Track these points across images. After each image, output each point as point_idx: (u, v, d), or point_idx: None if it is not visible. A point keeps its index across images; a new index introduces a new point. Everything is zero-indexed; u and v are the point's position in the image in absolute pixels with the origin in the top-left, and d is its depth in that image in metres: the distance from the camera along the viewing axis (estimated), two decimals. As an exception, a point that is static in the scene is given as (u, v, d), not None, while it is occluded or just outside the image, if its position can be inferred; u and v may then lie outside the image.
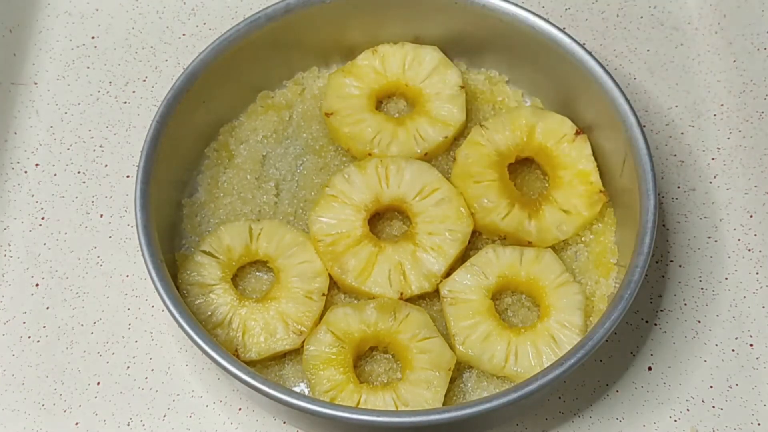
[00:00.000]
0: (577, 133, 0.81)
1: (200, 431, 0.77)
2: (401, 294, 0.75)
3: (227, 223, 0.79)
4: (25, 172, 0.88)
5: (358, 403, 0.71)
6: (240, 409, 0.78)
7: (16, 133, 0.90)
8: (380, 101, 0.87)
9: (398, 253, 0.76)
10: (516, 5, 0.80)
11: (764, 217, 0.85)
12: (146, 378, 0.79)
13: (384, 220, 0.81)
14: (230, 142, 0.85)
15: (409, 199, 0.78)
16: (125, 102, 0.91)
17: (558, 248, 0.79)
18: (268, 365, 0.76)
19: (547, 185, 0.82)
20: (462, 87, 0.83)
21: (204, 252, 0.77)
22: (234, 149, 0.84)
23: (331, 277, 0.77)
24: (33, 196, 0.87)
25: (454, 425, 0.67)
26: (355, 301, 0.77)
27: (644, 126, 0.82)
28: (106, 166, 0.88)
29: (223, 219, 0.81)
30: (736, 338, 0.80)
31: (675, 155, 0.88)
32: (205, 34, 0.95)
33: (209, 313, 0.75)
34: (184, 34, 0.95)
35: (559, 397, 0.78)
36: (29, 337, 0.80)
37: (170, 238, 0.80)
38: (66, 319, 0.81)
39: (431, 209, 0.78)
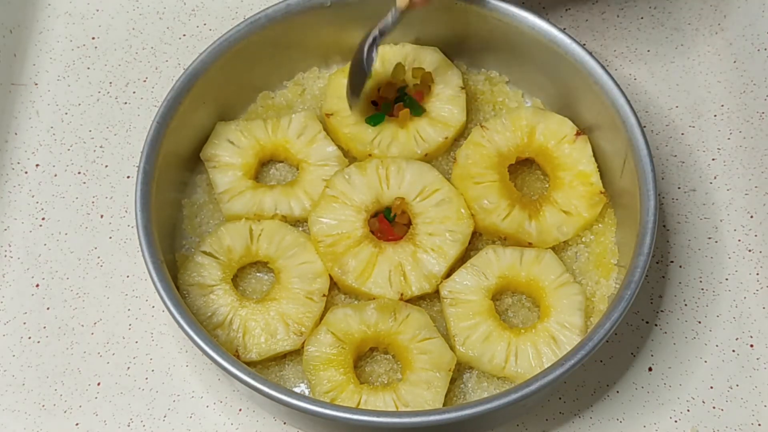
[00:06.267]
0: (578, 134, 0.81)
1: (200, 432, 0.77)
2: (401, 295, 0.75)
3: (227, 224, 0.79)
4: (26, 172, 0.88)
5: (359, 403, 0.71)
6: (240, 410, 0.78)
7: (16, 134, 0.90)
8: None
9: (398, 254, 0.77)
10: (516, 6, 0.80)
11: (765, 218, 0.85)
12: (146, 378, 0.79)
13: (384, 220, 0.81)
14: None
15: (409, 199, 0.78)
16: (126, 103, 0.91)
17: (558, 249, 0.79)
18: (269, 366, 0.76)
19: (547, 186, 0.82)
20: (462, 88, 0.83)
21: (204, 253, 0.77)
22: (234, 150, 0.84)
23: (331, 277, 0.77)
24: (33, 196, 0.87)
25: (454, 426, 0.67)
26: (356, 302, 0.77)
27: (644, 126, 0.82)
28: (106, 166, 0.88)
29: (224, 220, 0.81)
30: (737, 339, 0.80)
31: (675, 156, 0.88)
32: (205, 35, 0.95)
33: (209, 313, 0.75)
34: (184, 35, 0.95)
35: (560, 398, 0.78)
36: (29, 338, 0.80)
37: (170, 239, 0.80)
38: (66, 320, 0.81)
39: (431, 210, 0.78)
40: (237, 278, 0.79)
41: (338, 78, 0.84)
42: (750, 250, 0.84)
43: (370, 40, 0.77)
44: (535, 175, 0.84)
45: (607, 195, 0.79)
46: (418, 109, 0.82)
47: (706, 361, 0.79)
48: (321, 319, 0.75)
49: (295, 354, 0.76)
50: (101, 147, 0.89)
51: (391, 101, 0.82)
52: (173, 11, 0.97)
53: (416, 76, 0.84)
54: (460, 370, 0.75)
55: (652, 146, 0.77)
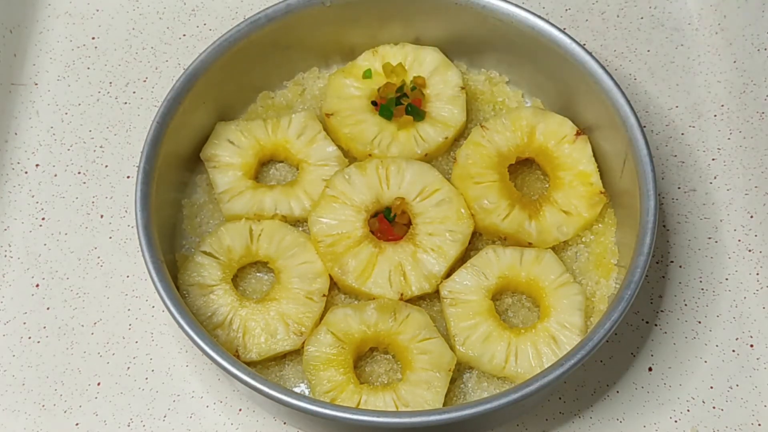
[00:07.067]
0: (578, 134, 0.81)
1: (200, 432, 0.77)
2: (401, 295, 0.75)
3: (227, 224, 0.79)
4: (26, 172, 0.88)
5: (359, 403, 0.71)
6: (240, 410, 0.78)
7: (16, 134, 0.90)
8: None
9: (398, 254, 0.77)
10: (516, 6, 0.80)
11: (765, 218, 0.85)
12: (146, 378, 0.79)
13: (384, 220, 0.81)
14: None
15: (409, 199, 0.78)
16: (125, 103, 0.91)
17: (558, 249, 0.79)
18: (269, 366, 0.76)
19: (547, 186, 0.82)
20: (462, 88, 0.83)
21: (204, 253, 0.77)
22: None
23: (331, 277, 0.77)
24: (33, 196, 0.87)
25: (454, 426, 0.67)
26: (356, 302, 0.77)
27: (644, 127, 0.82)
28: (106, 166, 0.88)
29: (224, 220, 0.81)
30: (737, 339, 0.80)
31: (675, 156, 0.88)
32: (205, 35, 0.95)
33: (210, 313, 0.75)
34: (184, 35, 0.95)
35: (560, 398, 0.78)
36: (29, 338, 0.80)
37: (171, 239, 0.80)
38: (66, 320, 0.81)
39: (431, 210, 0.78)
40: (237, 278, 0.79)
41: (338, 78, 0.85)
42: (750, 250, 0.84)
43: None
44: (535, 175, 0.84)
45: (607, 195, 0.79)
46: (420, 115, 0.82)
47: (706, 361, 0.79)
48: (321, 319, 0.75)
49: (295, 354, 0.76)
50: (101, 147, 0.89)
51: (391, 101, 0.82)
52: (173, 11, 0.97)
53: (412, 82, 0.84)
54: (460, 370, 0.75)
55: (652, 146, 0.77)
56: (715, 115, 0.90)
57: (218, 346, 0.68)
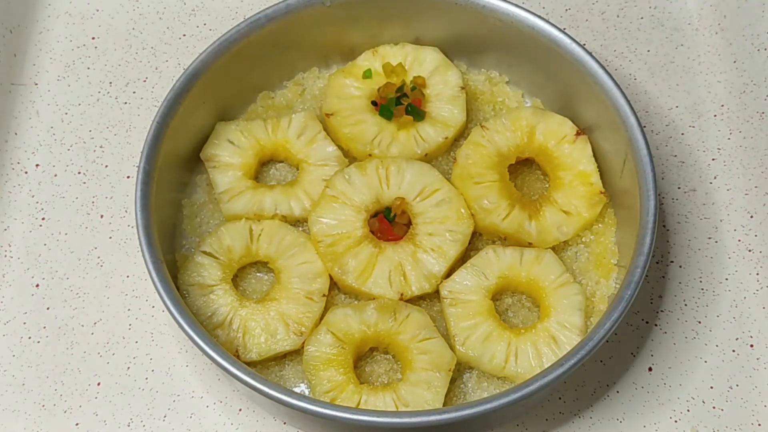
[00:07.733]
0: (578, 134, 0.81)
1: (200, 432, 0.77)
2: (401, 295, 0.75)
3: (227, 224, 0.79)
4: (26, 172, 0.88)
5: (359, 403, 0.71)
6: (240, 410, 0.78)
7: (16, 134, 0.90)
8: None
9: (398, 254, 0.77)
10: (516, 6, 0.80)
11: (765, 218, 0.85)
12: (146, 378, 0.79)
13: (384, 220, 0.81)
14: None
15: (409, 199, 0.78)
16: (125, 103, 0.91)
17: (558, 249, 0.79)
18: (269, 366, 0.76)
19: (547, 186, 0.82)
20: (462, 88, 0.83)
21: (204, 253, 0.77)
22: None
23: (331, 277, 0.77)
24: (33, 196, 0.87)
25: (454, 426, 0.67)
26: (356, 302, 0.77)
27: (644, 126, 0.82)
28: (106, 166, 0.88)
29: (224, 220, 0.81)
30: (737, 339, 0.80)
31: (675, 156, 0.88)
32: (205, 35, 0.95)
33: (210, 313, 0.75)
34: (184, 35, 0.95)
35: (560, 398, 0.78)
36: (29, 338, 0.80)
37: (171, 239, 0.80)
38: (66, 320, 0.81)
39: (431, 210, 0.78)
40: (237, 278, 0.79)
41: (338, 78, 0.84)
42: (750, 250, 0.84)
43: None
44: (535, 175, 0.84)
45: (607, 195, 0.79)
46: (420, 115, 0.82)
47: (706, 361, 0.79)
48: (321, 319, 0.75)
49: (295, 354, 0.76)
50: (101, 147, 0.89)
51: (391, 101, 0.82)
52: (173, 11, 0.97)
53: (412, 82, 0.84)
54: (460, 370, 0.75)
55: (652, 146, 0.77)
56: (715, 115, 0.90)
57: (218, 346, 0.68)
